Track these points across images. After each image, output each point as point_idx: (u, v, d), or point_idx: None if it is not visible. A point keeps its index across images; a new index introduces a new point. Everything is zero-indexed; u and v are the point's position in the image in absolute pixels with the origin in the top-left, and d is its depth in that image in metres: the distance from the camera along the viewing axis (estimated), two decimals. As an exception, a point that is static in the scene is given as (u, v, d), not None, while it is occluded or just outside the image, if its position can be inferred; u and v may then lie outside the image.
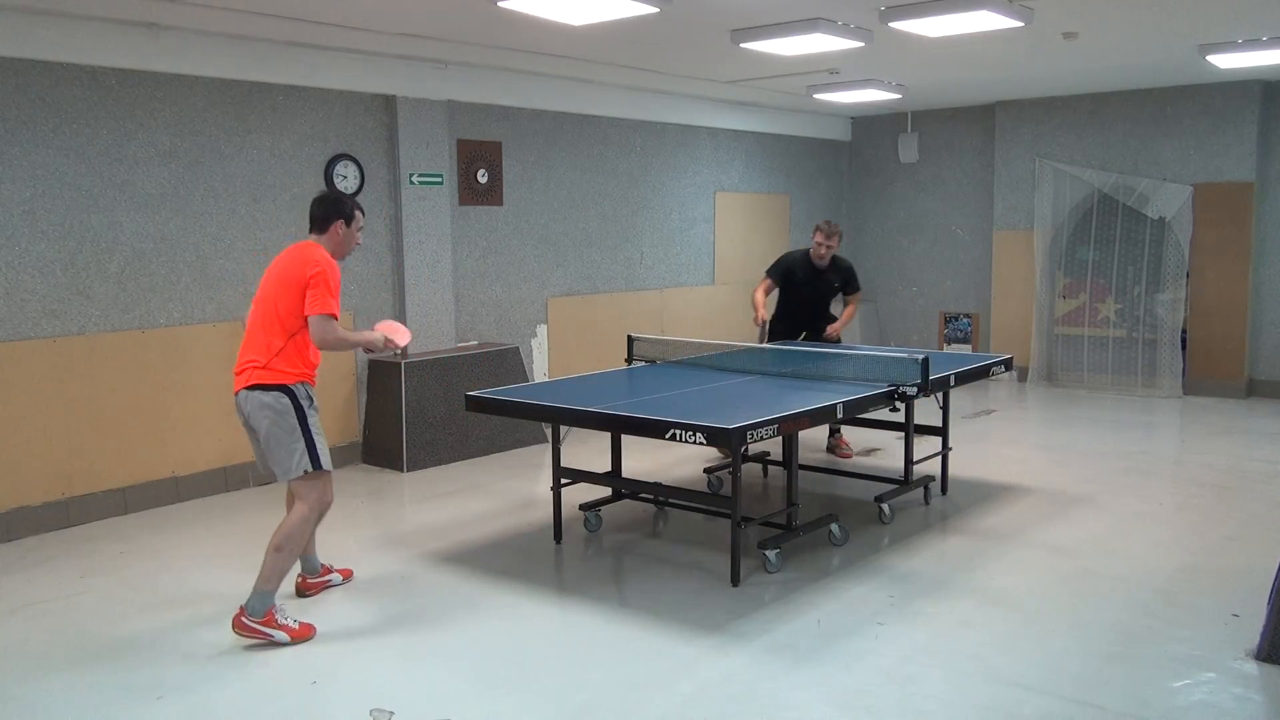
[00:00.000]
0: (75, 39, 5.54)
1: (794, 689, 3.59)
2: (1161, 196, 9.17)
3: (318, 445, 4.11)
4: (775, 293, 7.02)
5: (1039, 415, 8.60)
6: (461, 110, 7.52)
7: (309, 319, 4.05)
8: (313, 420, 4.13)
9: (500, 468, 7.00)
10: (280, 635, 3.98)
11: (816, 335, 6.96)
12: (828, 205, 11.32)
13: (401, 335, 4.47)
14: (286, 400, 4.06)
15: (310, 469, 4.09)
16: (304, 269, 4.07)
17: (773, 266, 7.05)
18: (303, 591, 4.61)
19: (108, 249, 5.83)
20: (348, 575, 4.80)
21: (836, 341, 6.95)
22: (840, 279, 7.01)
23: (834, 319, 7.06)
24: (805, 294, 6.94)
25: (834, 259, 6.93)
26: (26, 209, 5.50)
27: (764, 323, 6.76)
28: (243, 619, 3.98)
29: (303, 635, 4.02)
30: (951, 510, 5.80)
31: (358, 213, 4.32)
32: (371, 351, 4.41)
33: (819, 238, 6.81)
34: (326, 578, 4.69)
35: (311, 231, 4.29)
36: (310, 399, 4.15)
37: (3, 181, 5.41)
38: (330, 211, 4.25)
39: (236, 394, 4.15)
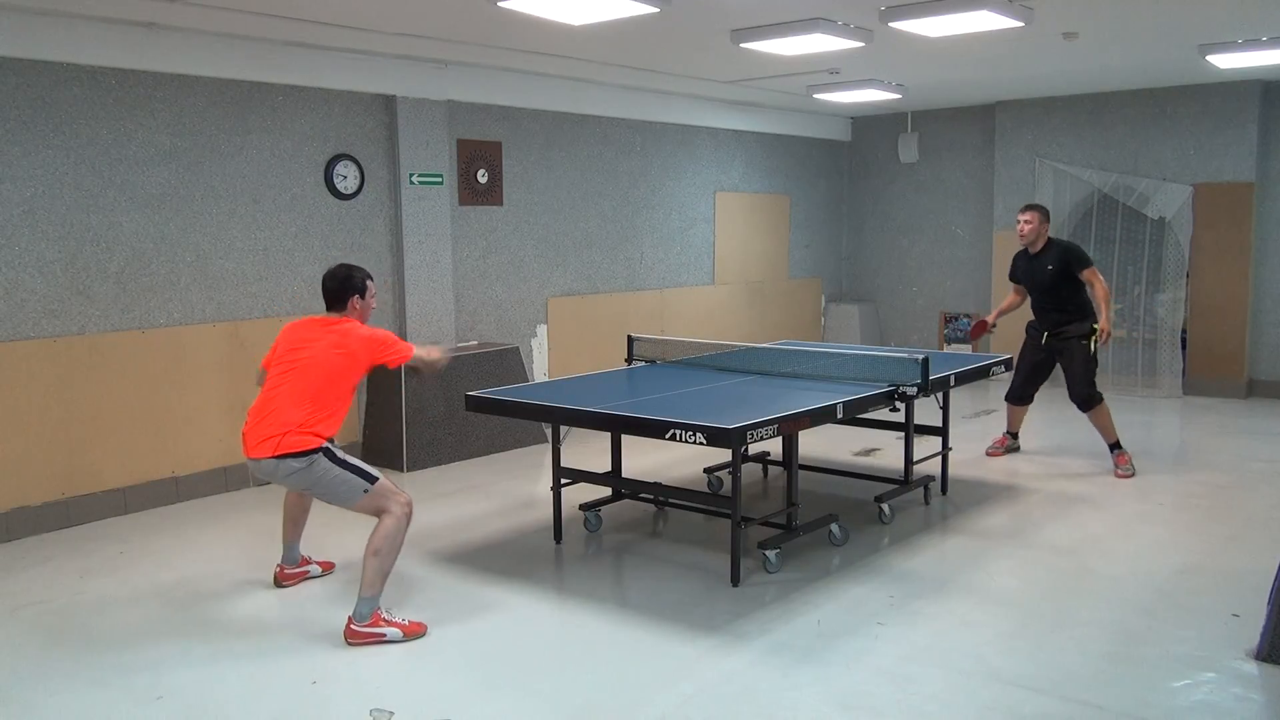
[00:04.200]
0: (75, 39, 5.54)
1: (794, 689, 3.59)
2: (1161, 196, 9.17)
3: (360, 465, 4.12)
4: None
5: (1038, 415, 8.57)
6: (461, 110, 7.52)
7: (407, 366, 4.31)
8: (340, 452, 4.15)
9: (500, 468, 7.00)
10: (392, 632, 3.98)
11: (1056, 331, 6.46)
12: (828, 205, 11.33)
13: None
14: (317, 454, 4.05)
15: (370, 488, 4.08)
16: (348, 340, 4.15)
17: (1010, 268, 6.76)
18: (280, 582, 4.65)
19: (108, 249, 5.83)
20: (328, 568, 4.81)
21: (1106, 340, 6.30)
22: (1055, 259, 6.38)
23: (1075, 311, 6.40)
24: (1027, 284, 6.60)
25: (1051, 241, 6.45)
26: (26, 209, 5.50)
27: (985, 324, 6.65)
28: (351, 626, 3.98)
29: (415, 631, 4.02)
30: (951, 510, 5.80)
31: (369, 283, 4.36)
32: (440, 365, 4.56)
33: (1019, 216, 6.43)
34: (305, 568, 4.73)
35: (331, 310, 4.31)
36: (334, 440, 4.19)
37: (3, 181, 5.41)
38: (344, 289, 4.29)
39: (255, 459, 4.08)
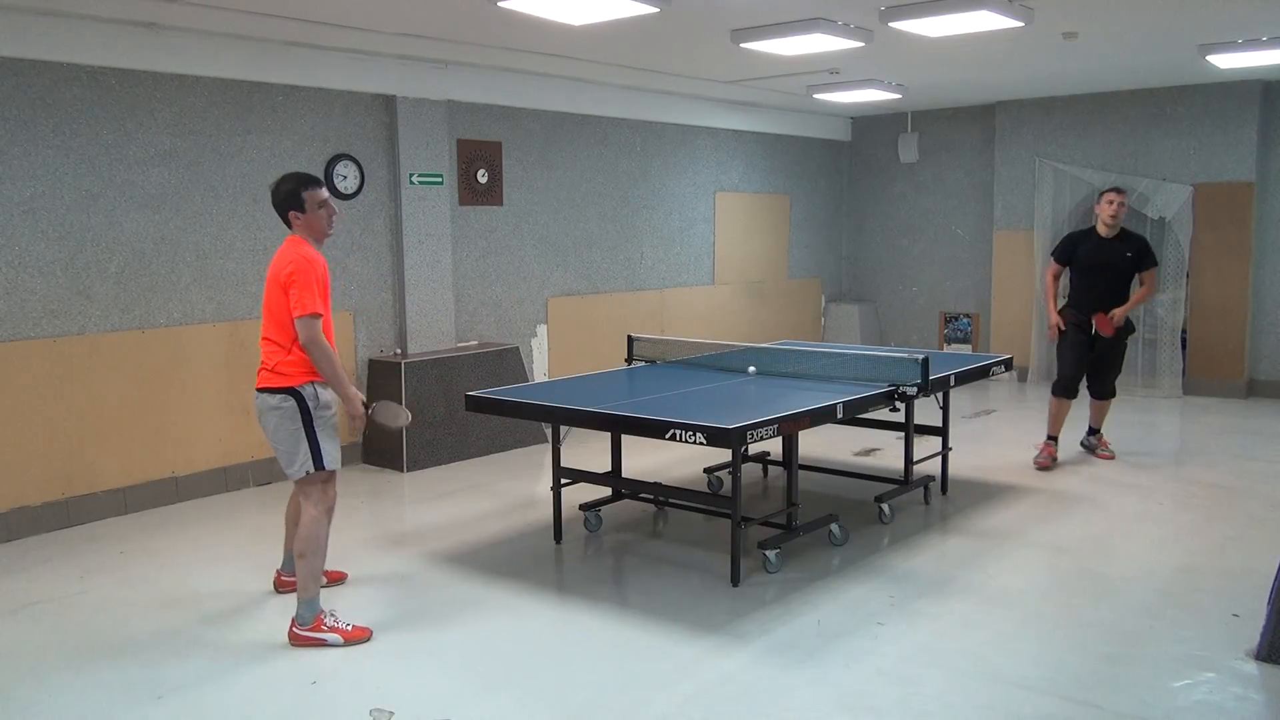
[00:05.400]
0: (75, 39, 5.54)
1: (794, 689, 3.59)
2: (1161, 196, 9.17)
3: (323, 446, 4.08)
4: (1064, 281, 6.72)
5: (1039, 415, 8.56)
6: (461, 110, 7.52)
7: (295, 320, 3.95)
8: (320, 420, 4.08)
9: (500, 468, 7.00)
10: (333, 638, 3.97)
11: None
12: (828, 205, 11.33)
13: (401, 417, 4.42)
14: (292, 402, 4.04)
15: (313, 470, 4.07)
16: (282, 268, 4.00)
17: (1057, 247, 6.68)
18: (279, 589, 4.59)
19: (108, 249, 5.83)
20: (335, 579, 4.66)
21: (1118, 329, 6.40)
22: (1135, 249, 6.41)
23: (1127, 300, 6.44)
24: (1092, 267, 6.44)
25: (1124, 231, 6.44)
26: (26, 209, 5.50)
27: (1059, 332, 6.54)
28: (294, 629, 3.99)
29: (356, 637, 4.01)
30: (951, 510, 5.80)
31: (308, 192, 4.04)
32: (351, 411, 4.20)
33: (1110, 196, 6.36)
34: None
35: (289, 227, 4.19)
36: (318, 398, 4.09)
37: (3, 181, 5.41)
38: (282, 204, 4.09)
39: (256, 391, 4.15)
